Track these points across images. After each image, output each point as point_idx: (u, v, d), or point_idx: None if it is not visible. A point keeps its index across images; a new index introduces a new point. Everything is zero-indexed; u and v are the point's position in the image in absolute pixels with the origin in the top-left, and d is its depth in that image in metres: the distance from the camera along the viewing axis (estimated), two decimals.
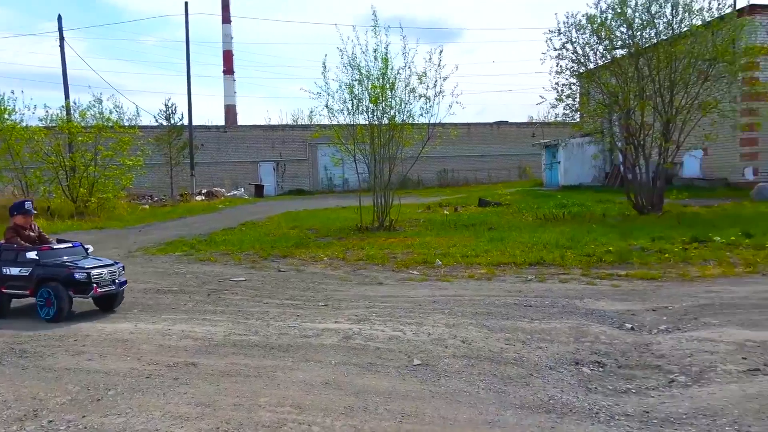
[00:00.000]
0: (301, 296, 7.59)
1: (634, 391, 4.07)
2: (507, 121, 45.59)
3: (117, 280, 6.90)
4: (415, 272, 9.01)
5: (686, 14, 14.96)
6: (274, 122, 50.61)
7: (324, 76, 14.77)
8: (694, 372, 4.33)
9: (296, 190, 38.34)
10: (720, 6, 14.87)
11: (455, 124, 27.99)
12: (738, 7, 19.58)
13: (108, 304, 7.01)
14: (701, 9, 14.87)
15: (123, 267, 7.20)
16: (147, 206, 26.28)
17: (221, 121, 51.33)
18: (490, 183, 39.03)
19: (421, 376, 4.44)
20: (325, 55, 26.20)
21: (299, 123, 47.54)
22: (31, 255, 6.69)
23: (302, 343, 5.41)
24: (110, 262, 7.10)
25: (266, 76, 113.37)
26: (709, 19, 14.92)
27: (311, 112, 39.86)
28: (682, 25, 15.04)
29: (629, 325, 5.61)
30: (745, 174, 22.24)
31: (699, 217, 13.84)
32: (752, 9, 21.24)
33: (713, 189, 21.76)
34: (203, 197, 31.28)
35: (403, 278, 8.64)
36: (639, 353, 4.82)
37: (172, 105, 33.35)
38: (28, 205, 7.35)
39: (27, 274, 6.68)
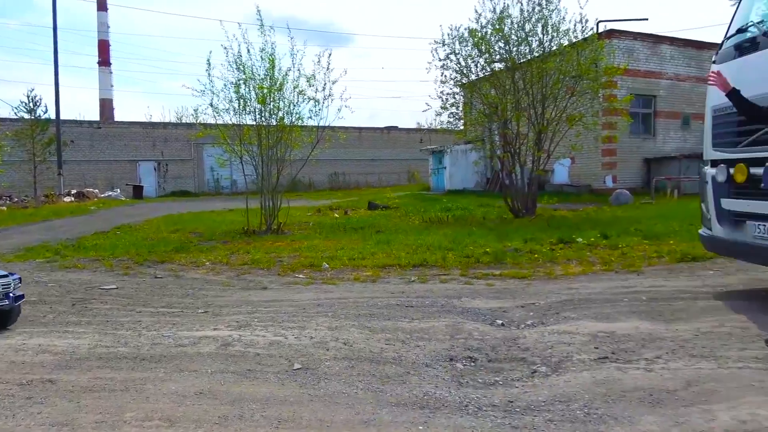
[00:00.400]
0: (178, 303, 7.22)
1: (501, 383, 4.35)
2: (397, 127, 46.85)
3: (11, 294, 5.84)
4: (301, 276, 8.94)
5: (555, 34, 16.32)
6: (155, 119, 47.68)
7: (208, 74, 14.26)
8: (553, 362, 4.72)
9: (180, 192, 36.47)
10: (584, 29, 16.38)
11: (346, 128, 28.25)
12: (599, 30, 21.77)
13: (0, 321, 6.02)
14: (568, 30, 16.29)
15: (20, 279, 6.14)
16: (4, 208, 23.67)
17: (96, 116, 47.52)
18: (380, 186, 39.82)
19: (301, 380, 4.42)
20: (210, 52, 25.21)
21: (183, 121, 45.20)
22: None
23: (177, 352, 5.15)
24: (3, 273, 6.02)
25: (147, 71, 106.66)
26: (575, 40, 16.39)
27: (196, 110, 38.16)
28: (552, 44, 16.38)
29: (500, 322, 5.99)
30: (605, 181, 24.71)
31: (566, 221, 15.11)
32: (611, 33, 23.72)
33: (579, 195, 23.98)
34: (73, 198, 28.76)
35: (288, 282, 8.54)
36: (507, 347, 5.16)
37: (36, 96, 30.29)
38: None
39: None
